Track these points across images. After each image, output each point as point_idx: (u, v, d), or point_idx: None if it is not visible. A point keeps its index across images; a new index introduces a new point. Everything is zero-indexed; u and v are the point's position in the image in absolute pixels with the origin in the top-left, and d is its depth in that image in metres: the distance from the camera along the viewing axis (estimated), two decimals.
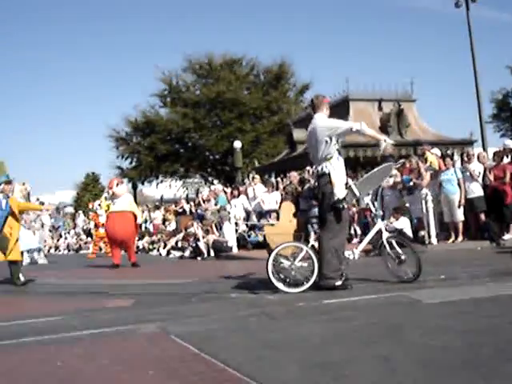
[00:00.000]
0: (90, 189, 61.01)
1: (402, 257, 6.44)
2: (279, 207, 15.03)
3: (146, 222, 23.84)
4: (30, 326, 5.32)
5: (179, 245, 17.33)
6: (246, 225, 15.88)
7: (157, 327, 4.77)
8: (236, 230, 15.25)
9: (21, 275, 10.27)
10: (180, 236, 17.58)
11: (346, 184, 6.27)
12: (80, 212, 35.30)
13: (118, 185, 13.18)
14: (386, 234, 6.60)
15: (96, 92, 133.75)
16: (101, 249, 20.02)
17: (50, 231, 25.71)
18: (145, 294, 7.37)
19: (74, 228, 30.90)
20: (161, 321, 5.03)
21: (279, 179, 18.41)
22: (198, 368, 3.40)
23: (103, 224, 16.60)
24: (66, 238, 29.10)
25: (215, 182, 38.48)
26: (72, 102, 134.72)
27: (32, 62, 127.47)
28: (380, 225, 6.65)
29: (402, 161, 9.57)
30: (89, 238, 26.22)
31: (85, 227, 28.90)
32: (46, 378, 3.48)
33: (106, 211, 14.24)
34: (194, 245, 15.40)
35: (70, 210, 48.20)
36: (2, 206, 9.72)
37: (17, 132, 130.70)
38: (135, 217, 13.06)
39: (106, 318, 5.56)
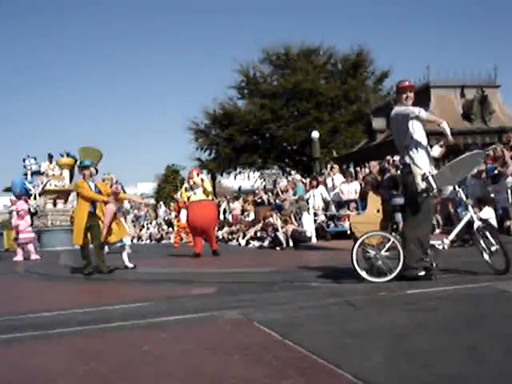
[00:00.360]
0: (171, 180, 62.12)
1: (493, 248, 6.23)
2: (360, 196, 14.91)
3: (225, 212, 24.20)
4: (119, 312, 5.55)
5: (258, 235, 17.50)
6: (325, 215, 15.82)
7: (240, 314, 4.85)
8: (315, 221, 15.23)
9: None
10: (259, 226, 17.74)
11: (424, 175, 6.11)
12: (161, 203, 36.20)
13: (198, 175, 13.46)
14: (477, 224, 6.38)
15: (177, 85, 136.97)
16: (182, 238, 20.46)
17: (133, 221, 26.49)
18: (227, 282, 7.48)
19: (156, 218, 31.77)
20: (243, 308, 5.12)
21: (358, 169, 18.26)
22: (281, 354, 3.45)
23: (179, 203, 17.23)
24: (148, 229, 29.93)
25: (293, 172, 38.39)
26: (154, 95, 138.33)
27: (118, 56, 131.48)
28: (471, 214, 6.46)
29: (493, 146, 9.17)
30: (170, 228, 26.87)
31: (166, 218, 29.62)
32: (135, 360, 3.61)
33: (185, 202, 14.50)
34: (272, 235, 15.49)
35: (152, 201, 49.40)
36: (91, 189, 9.96)
37: (101, 126, 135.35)
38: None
39: (190, 304, 5.71)
